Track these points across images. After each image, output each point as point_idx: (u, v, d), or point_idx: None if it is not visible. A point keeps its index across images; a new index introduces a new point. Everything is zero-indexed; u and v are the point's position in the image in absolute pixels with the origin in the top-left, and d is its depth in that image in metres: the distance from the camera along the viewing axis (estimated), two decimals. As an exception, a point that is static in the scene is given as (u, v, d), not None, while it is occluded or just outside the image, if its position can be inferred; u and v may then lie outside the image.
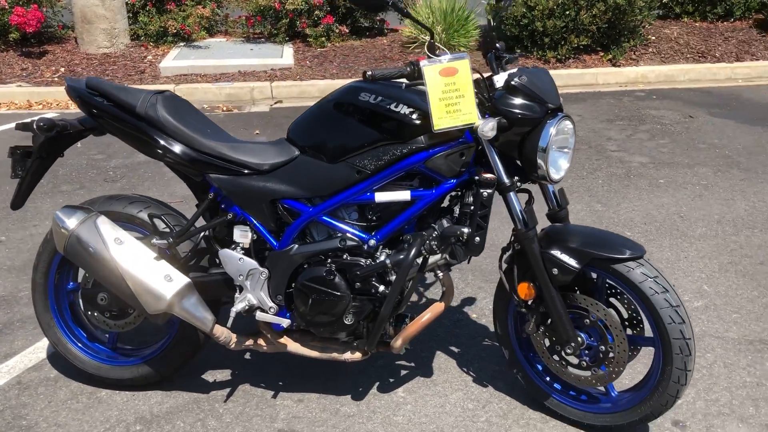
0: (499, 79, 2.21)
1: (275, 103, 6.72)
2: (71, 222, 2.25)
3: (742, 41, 7.75)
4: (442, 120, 2.09)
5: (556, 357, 2.31)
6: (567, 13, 7.07)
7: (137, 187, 4.53)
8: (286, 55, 7.50)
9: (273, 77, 7.03)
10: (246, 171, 2.31)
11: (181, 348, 2.49)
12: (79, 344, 2.57)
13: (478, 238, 2.17)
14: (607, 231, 2.31)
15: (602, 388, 2.32)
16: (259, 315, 2.33)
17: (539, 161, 2.12)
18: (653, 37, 7.73)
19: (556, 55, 7.30)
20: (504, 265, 2.33)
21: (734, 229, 3.79)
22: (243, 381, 2.60)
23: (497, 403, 2.48)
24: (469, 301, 3.12)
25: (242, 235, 2.33)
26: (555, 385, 2.40)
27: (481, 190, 2.14)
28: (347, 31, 7.89)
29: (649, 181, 4.50)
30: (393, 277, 2.23)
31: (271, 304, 2.32)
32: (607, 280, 2.21)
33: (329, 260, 2.27)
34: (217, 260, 2.39)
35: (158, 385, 2.56)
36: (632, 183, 4.49)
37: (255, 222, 2.32)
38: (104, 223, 2.28)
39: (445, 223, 2.27)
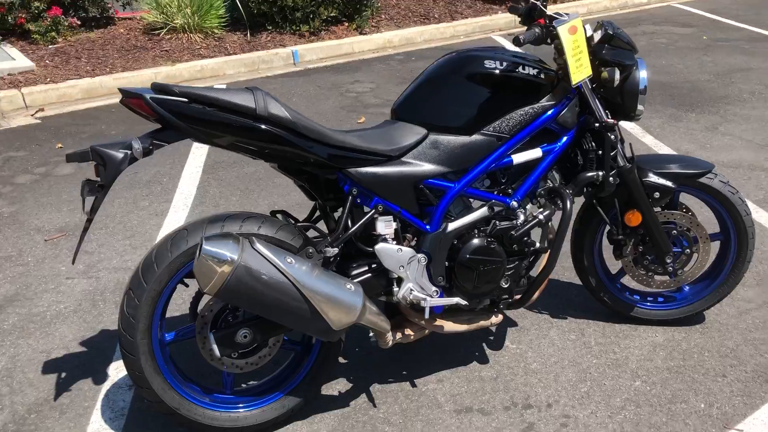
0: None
1: (36, 112, 5.76)
2: (232, 252, 1.90)
3: (448, 3, 8.83)
4: (576, 74, 2.28)
5: (642, 270, 2.68)
6: (314, -14, 7.27)
7: (3, 230, 3.64)
8: (17, 56, 6.38)
9: (17, 83, 5.97)
10: (381, 159, 2.19)
11: (329, 363, 2.28)
12: (203, 400, 2.17)
13: (611, 178, 2.41)
14: (677, 154, 2.73)
15: (675, 288, 2.77)
16: (431, 301, 2.26)
17: (639, 104, 2.42)
18: (379, 5, 8.36)
19: (309, 29, 7.47)
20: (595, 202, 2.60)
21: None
22: (368, 383, 2.48)
23: (587, 327, 2.78)
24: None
25: (387, 226, 2.22)
26: (635, 296, 2.79)
27: (609, 134, 2.37)
28: (79, 23, 6.99)
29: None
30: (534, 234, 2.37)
31: (434, 288, 2.27)
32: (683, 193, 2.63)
33: (478, 230, 2.30)
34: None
35: (293, 417, 2.30)
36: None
37: (400, 209, 2.22)
38: (264, 246, 1.98)
39: (555, 174, 2.46)
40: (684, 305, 2.76)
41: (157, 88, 2.00)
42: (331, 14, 7.54)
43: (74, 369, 2.58)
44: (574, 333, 2.75)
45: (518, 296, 2.44)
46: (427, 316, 2.25)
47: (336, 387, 2.46)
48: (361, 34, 7.73)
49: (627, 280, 2.84)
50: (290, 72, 6.81)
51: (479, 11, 8.73)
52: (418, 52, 7.48)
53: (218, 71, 6.70)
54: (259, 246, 1.96)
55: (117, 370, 2.56)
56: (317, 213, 2.43)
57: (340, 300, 2.02)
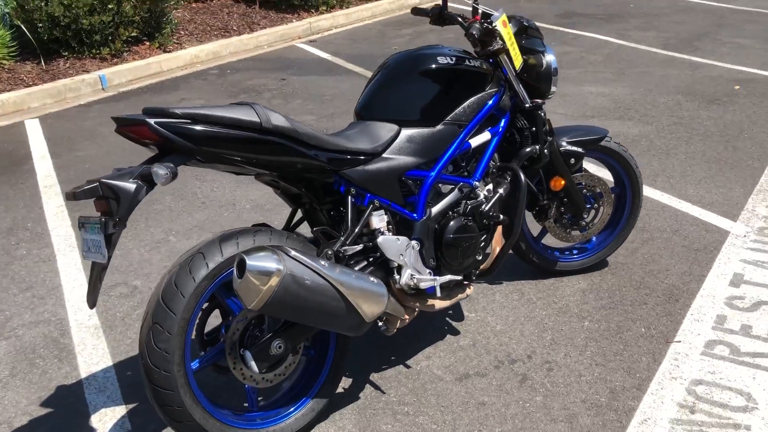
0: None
1: None
2: (277, 263, 1.93)
3: (242, 15, 8.85)
4: (516, 62, 2.59)
5: (561, 228, 3.09)
6: (110, 6, 6.92)
7: None
8: None
9: None
10: (368, 157, 2.32)
11: (344, 360, 2.36)
12: (238, 421, 2.15)
13: (546, 150, 2.76)
14: (577, 124, 3.14)
15: (586, 240, 3.22)
16: (439, 280, 2.44)
17: (552, 84, 2.80)
18: (177, 21, 8.16)
19: (110, 51, 7.09)
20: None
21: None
22: (366, 375, 2.60)
23: (523, 287, 3.14)
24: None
25: (380, 220, 2.36)
26: (555, 253, 3.20)
27: (539, 112, 2.72)
28: None
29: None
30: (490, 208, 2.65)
31: (428, 269, 2.45)
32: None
33: (452, 212, 2.53)
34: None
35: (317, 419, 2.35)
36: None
37: (390, 203, 2.37)
38: (298, 252, 2.02)
39: (495, 155, 2.76)
40: (594, 253, 3.22)
41: (153, 111, 1.95)
42: (132, 34, 7.23)
43: (51, 432, 2.36)
44: (515, 294, 3.08)
45: (486, 266, 2.70)
46: (439, 294, 2.43)
47: (339, 385, 2.53)
48: (165, 52, 7.50)
49: (546, 240, 3.23)
50: (104, 98, 6.44)
51: (274, 21, 8.87)
52: (230, 65, 7.45)
53: (22, 105, 6.15)
54: (294, 253, 2.00)
55: (102, 422, 2.39)
56: (295, 219, 2.48)
57: (372, 292, 2.13)
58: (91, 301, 1.95)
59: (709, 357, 2.61)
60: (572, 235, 3.11)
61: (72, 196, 1.87)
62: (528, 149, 2.73)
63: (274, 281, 1.91)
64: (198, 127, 1.95)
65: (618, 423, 2.31)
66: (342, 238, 2.22)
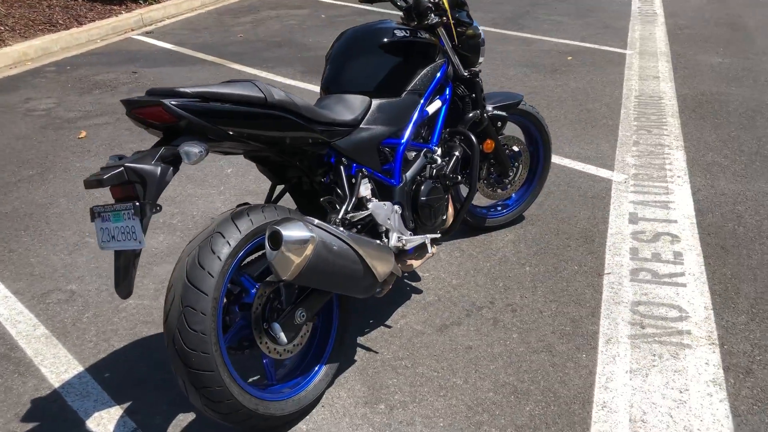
0: None
1: None
2: (308, 232, 1.98)
3: (64, 8, 8.25)
4: (454, 34, 2.80)
5: (489, 187, 3.38)
6: None
7: None
8: None
9: None
10: (351, 128, 2.43)
11: (348, 321, 2.45)
12: (267, 395, 2.17)
13: (485, 115, 3.00)
14: (497, 91, 3.41)
15: (507, 197, 3.53)
16: (429, 237, 2.61)
17: (481, 55, 3.06)
18: (-8, 16, 7.45)
19: (-76, 51, 6.34)
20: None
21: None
22: (353, 340, 2.69)
23: (461, 244, 3.39)
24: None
25: (366, 188, 2.47)
26: (483, 210, 3.48)
27: (477, 80, 2.96)
28: None
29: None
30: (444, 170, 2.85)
31: (408, 231, 2.60)
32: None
33: (420, 176, 2.70)
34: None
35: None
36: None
37: (373, 171, 2.49)
38: (320, 222, 2.09)
39: (437, 124, 2.96)
40: (515, 208, 3.55)
41: (161, 92, 1.92)
42: (-52, 31, 6.50)
43: (49, 444, 2.21)
44: (456, 252, 3.32)
45: (446, 226, 2.89)
46: (429, 250, 2.58)
47: (331, 352, 2.61)
48: (-13, 50, 6.83)
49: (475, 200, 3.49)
50: (-71, 103, 5.75)
51: (102, 13, 8.38)
52: (66, 61, 6.97)
53: None
54: (316, 222, 2.06)
55: (101, 425, 2.28)
56: (275, 194, 2.52)
57: (383, 253, 2.25)
58: (126, 292, 1.88)
59: (638, 282, 3.02)
60: (497, 193, 3.41)
61: (97, 183, 1.80)
62: (471, 114, 2.96)
63: (308, 249, 1.97)
64: (211, 105, 1.95)
65: (589, 345, 2.63)
66: (344, 207, 2.31)
